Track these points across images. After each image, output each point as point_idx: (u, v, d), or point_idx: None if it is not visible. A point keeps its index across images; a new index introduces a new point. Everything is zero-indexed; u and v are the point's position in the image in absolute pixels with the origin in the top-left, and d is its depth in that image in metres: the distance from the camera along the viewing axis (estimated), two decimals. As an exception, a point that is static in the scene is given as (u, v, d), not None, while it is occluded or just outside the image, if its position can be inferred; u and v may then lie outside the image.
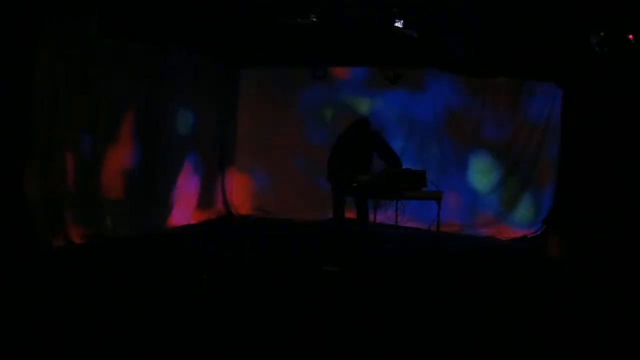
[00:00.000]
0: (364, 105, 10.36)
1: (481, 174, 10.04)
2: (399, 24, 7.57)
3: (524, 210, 9.80)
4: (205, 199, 10.35)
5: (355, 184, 7.87)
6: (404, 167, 8.30)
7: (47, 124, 7.27)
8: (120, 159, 8.50)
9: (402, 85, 10.21)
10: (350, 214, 8.56)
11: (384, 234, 8.96)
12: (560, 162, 9.52)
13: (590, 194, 8.67)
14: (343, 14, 8.12)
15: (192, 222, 9.85)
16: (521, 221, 9.76)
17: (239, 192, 11.07)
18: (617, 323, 5.43)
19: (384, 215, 9.46)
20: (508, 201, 9.91)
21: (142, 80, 8.70)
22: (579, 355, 4.73)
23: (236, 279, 6.46)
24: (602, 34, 6.83)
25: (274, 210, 10.79)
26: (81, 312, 5.08)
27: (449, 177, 9.97)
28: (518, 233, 9.67)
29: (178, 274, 6.55)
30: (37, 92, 7.05)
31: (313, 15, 7.36)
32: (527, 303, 6.04)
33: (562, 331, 5.17)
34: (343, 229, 8.10)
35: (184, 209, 9.75)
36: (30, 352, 4.27)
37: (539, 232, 9.61)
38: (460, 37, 8.34)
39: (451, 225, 9.65)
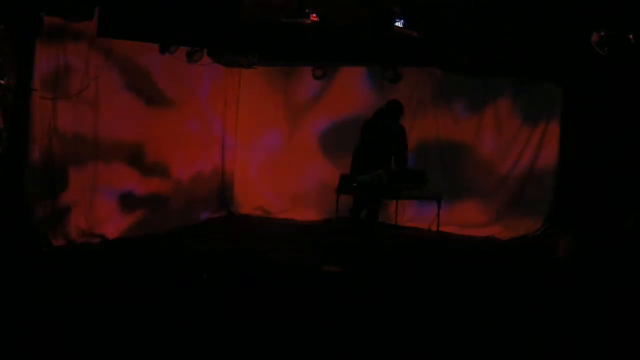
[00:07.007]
0: (364, 105, 10.34)
1: (481, 173, 10.04)
2: (399, 24, 7.55)
3: (524, 210, 9.79)
4: (204, 199, 10.34)
5: (355, 184, 7.86)
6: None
7: (48, 123, 7.28)
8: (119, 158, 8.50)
9: (401, 85, 10.20)
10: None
11: (384, 234, 8.96)
12: (560, 162, 9.53)
13: (590, 194, 8.66)
14: (343, 14, 8.12)
15: (192, 222, 9.84)
16: (521, 221, 9.75)
17: (239, 191, 11.05)
18: (617, 323, 5.44)
19: (384, 215, 9.46)
20: (508, 201, 9.91)
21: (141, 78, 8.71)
22: (579, 354, 4.73)
23: (236, 279, 6.45)
24: (602, 34, 6.83)
25: (274, 210, 10.80)
26: (81, 312, 5.09)
27: (449, 176, 9.97)
28: (518, 233, 9.68)
29: (178, 274, 6.54)
30: (37, 90, 7.05)
31: (313, 15, 7.35)
32: (528, 303, 6.04)
33: (563, 331, 5.17)
34: (351, 228, 8.03)
35: (183, 209, 9.74)
36: (30, 352, 4.28)
37: (539, 232, 9.61)
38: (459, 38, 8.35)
39: (451, 225, 9.66)
